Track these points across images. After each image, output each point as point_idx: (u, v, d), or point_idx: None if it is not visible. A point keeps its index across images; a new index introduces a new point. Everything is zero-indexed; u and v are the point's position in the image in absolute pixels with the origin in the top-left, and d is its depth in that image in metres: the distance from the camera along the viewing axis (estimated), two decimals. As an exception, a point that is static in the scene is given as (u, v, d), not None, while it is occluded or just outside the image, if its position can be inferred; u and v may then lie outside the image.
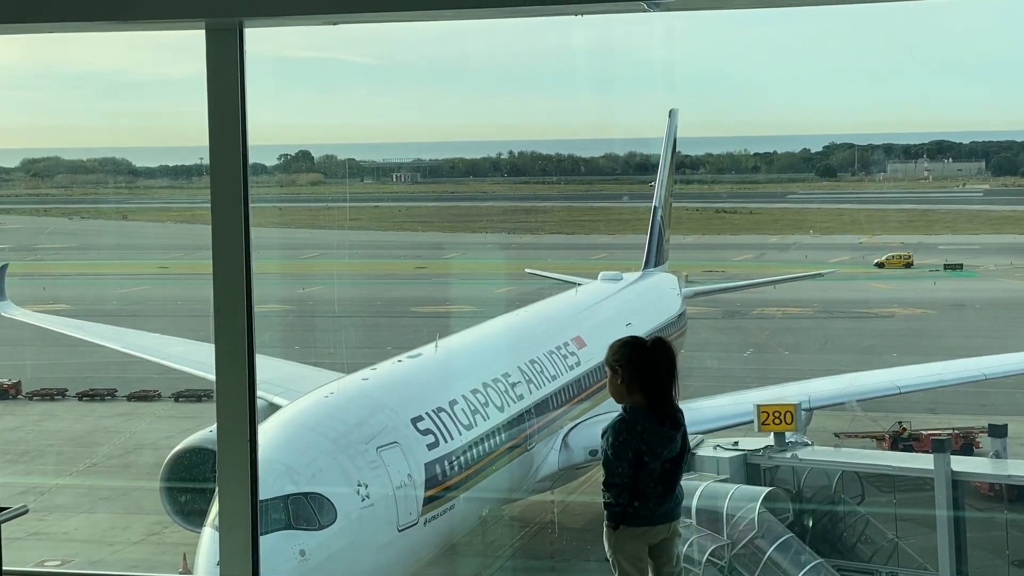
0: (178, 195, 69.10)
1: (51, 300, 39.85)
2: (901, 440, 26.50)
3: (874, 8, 5.72)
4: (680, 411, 5.63)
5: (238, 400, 6.03)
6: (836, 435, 26.23)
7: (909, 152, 74.23)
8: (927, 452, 20.09)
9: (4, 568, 5.17)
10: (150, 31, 6.17)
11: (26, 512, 5.14)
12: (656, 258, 34.22)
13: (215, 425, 6.08)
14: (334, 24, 5.82)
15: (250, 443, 6.03)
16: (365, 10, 5.68)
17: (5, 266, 29.61)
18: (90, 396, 33.29)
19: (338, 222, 58.06)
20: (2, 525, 5.14)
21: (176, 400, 32.19)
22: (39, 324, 30.58)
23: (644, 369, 5.45)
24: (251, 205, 5.93)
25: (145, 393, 32.87)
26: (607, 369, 5.53)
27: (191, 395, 31.72)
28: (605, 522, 5.49)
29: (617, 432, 5.44)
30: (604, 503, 5.46)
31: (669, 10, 5.84)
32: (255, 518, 6.08)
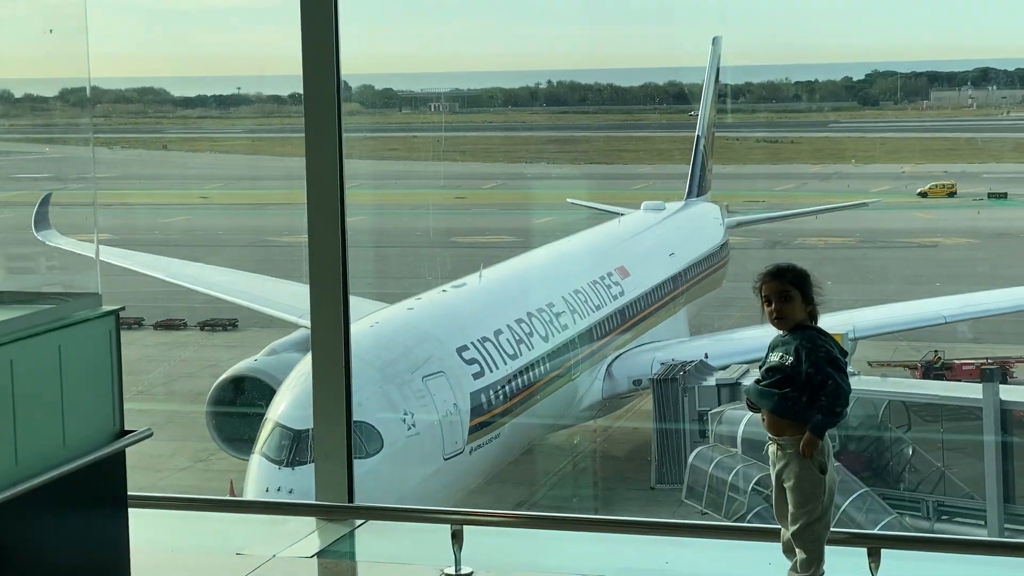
0: (216, 125, 69.19)
1: (91, 228, 39.98)
2: (933, 369, 26.43)
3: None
4: None
5: (333, 332, 6.24)
6: (869, 364, 26.12)
7: (953, 80, 73.23)
8: (957, 381, 19.88)
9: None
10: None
11: (151, 435, 5.23)
12: (698, 188, 34.00)
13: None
14: None
15: (345, 374, 6.28)
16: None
17: (48, 195, 29.75)
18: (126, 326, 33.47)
19: (376, 152, 58.04)
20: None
21: (201, 329, 32.50)
22: (82, 253, 30.73)
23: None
24: (342, 136, 6.00)
25: (170, 322, 33.13)
26: (778, 295, 5.35)
27: (216, 324, 32.04)
28: (808, 439, 5.24)
29: (827, 341, 5.30)
30: (816, 418, 5.25)
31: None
32: (350, 445, 6.33)
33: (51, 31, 5.67)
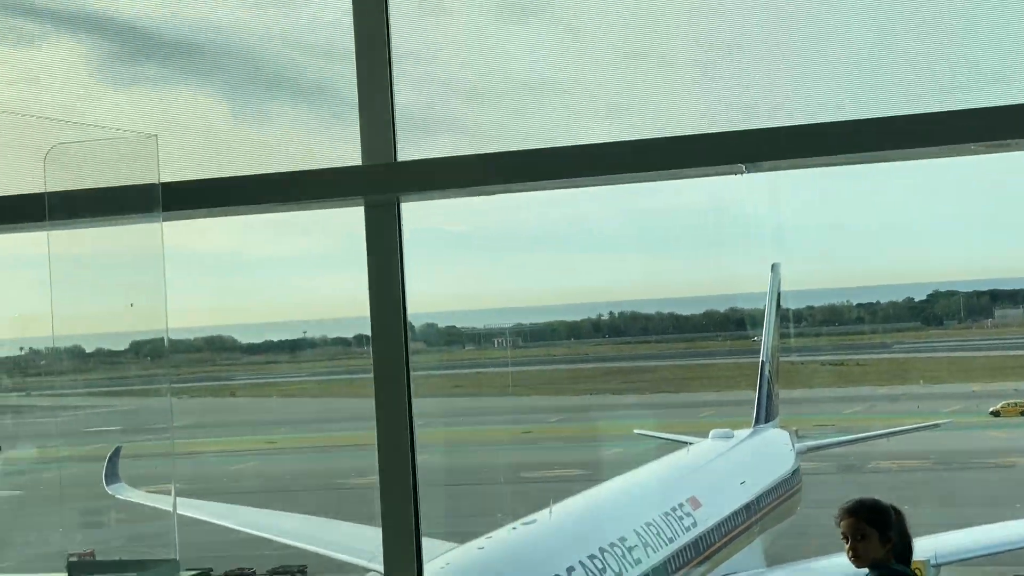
0: (283, 370, 70.12)
1: (164, 479, 40.22)
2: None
3: (970, 160, 5.73)
4: None
5: (405, 573, 6.17)
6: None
7: (1016, 297, 72.95)
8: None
9: None
10: (310, 210, 6.45)
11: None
12: (766, 414, 33.73)
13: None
14: (480, 196, 6.08)
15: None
16: (505, 181, 5.90)
17: (118, 449, 30.02)
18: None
19: (442, 389, 58.37)
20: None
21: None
22: (153, 504, 30.84)
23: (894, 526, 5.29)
24: (410, 375, 6.07)
25: (240, 571, 32.85)
26: (854, 533, 5.24)
27: (285, 571, 31.74)
28: None
29: None
30: None
31: (765, 171, 5.91)
32: None
33: (132, 305, 5.86)
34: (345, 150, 6.28)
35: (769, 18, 5.86)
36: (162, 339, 6.09)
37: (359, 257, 6.21)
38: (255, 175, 6.31)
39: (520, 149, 6.01)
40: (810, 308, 74.31)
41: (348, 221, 6.36)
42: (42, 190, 6.08)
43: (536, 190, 6.33)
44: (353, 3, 6.22)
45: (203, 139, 6.57)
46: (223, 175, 6.36)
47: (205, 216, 6.55)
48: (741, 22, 5.92)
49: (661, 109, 5.98)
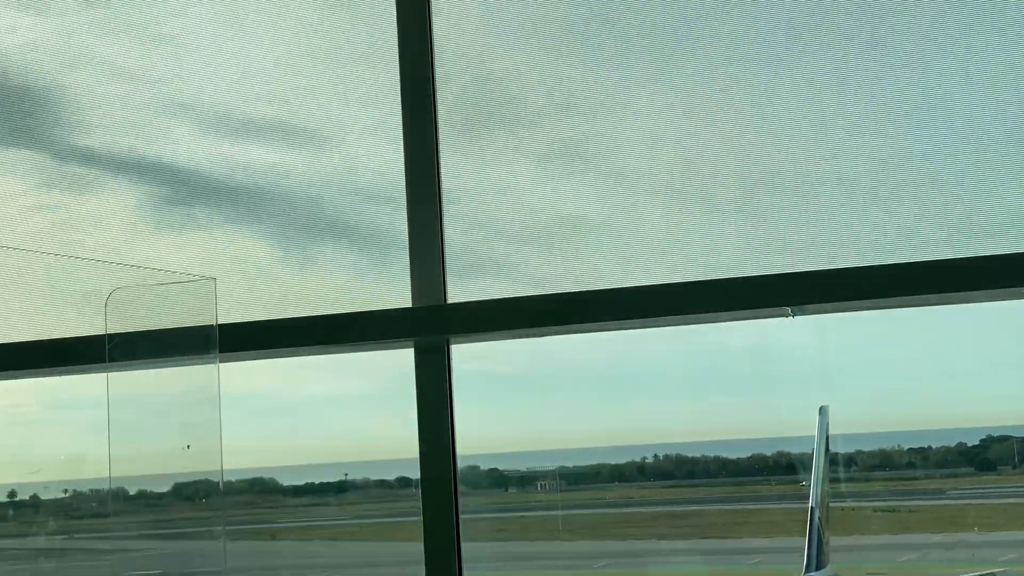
0: (325, 513, 69.60)
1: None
2: None
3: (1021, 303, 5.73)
4: None
5: None
6: None
7: (1070, 441, 71.55)
8: None
9: None
10: (361, 352, 6.49)
11: None
12: (817, 561, 33.01)
13: None
14: (529, 337, 6.11)
15: None
16: (552, 323, 5.93)
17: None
18: None
19: (486, 533, 57.69)
20: None
21: None
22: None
23: None
24: (459, 518, 6.02)
25: None
26: None
27: None
28: None
29: None
30: None
31: (812, 314, 5.89)
32: None
33: (188, 447, 5.89)
34: (395, 292, 6.35)
35: (814, 158, 5.91)
36: (216, 482, 6.10)
37: (402, 398, 6.22)
38: (307, 316, 6.38)
39: (564, 292, 6.05)
40: (860, 452, 72.96)
41: (395, 363, 6.38)
42: (102, 332, 6.18)
43: (580, 332, 6.36)
44: (404, 149, 6.34)
45: (255, 281, 6.67)
46: (274, 317, 6.43)
47: (258, 358, 6.61)
48: (786, 164, 5.98)
49: (706, 250, 6.01)
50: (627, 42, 6.15)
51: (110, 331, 5.97)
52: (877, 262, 5.72)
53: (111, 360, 5.92)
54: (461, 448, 6.42)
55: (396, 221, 6.39)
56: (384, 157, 6.46)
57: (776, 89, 5.94)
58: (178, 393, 6.03)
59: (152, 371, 6.13)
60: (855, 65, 5.82)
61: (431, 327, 6.20)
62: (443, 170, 6.35)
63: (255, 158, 6.74)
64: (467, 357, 6.47)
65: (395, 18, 6.39)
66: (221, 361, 5.96)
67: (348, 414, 7.62)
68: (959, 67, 5.70)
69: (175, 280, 6.19)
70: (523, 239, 6.30)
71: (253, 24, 6.80)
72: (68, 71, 7.07)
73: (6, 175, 7.14)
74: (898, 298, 5.75)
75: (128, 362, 6.03)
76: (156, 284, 6.17)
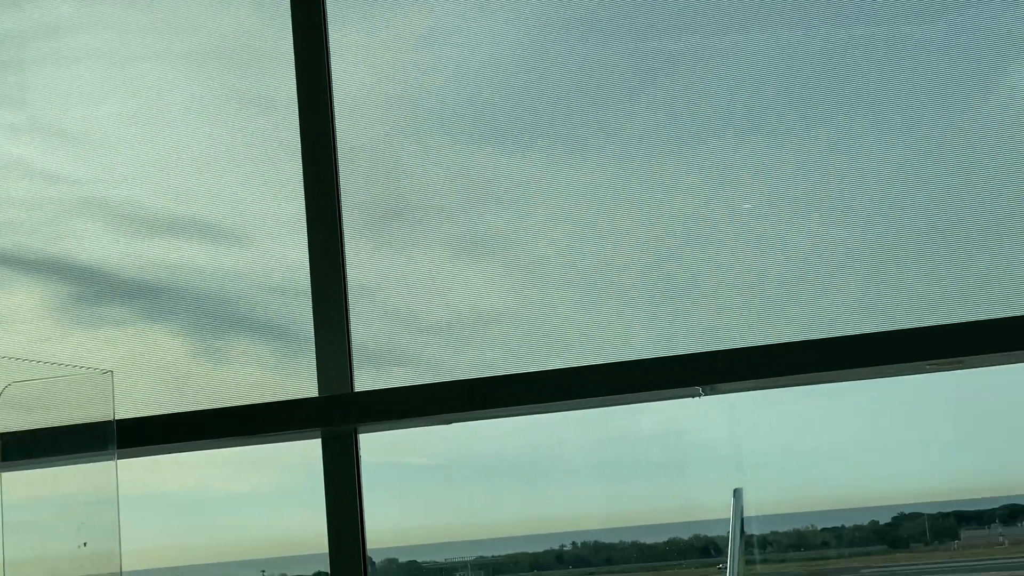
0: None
1: None
2: None
3: (940, 376, 5.81)
4: None
5: None
6: None
7: (982, 518, 72.63)
8: None
9: None
10: (269, 444, 6.40)
11: None
12: (735, 644, 33.02)
13: None
14: (445, 424, 6.07)
15: None
16: (461, 409, 5.89)
17: None
18: None
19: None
20: None
21: None
22: None
23: None
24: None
25: None
26: None
27: None
28: None
29: None
30: None
31: (723, 393, 5.92)
32: None
33: (84, 544, 5.73)
34: (302, 384, 6.28)
35: (720, 243, 5.96)
36: (115, 582, 5.92)
37: (315, 491, 6.13)
38: (209, 409, 6.28)
39: (472, 378, 6.02)
40: (775, 533, 73.44)
41: (309, 455, 6.29)
42: (-5, 431, 6.02)
43: (490, 418, 6.32)
44: (309, 244, 6.31)
45: (159, 376, 6.56)
46: (177, 411, 6.33)
47: (160, 452, 6.48)
48: (693, 251, 6.03)
49: (616, 334, 6.02)
50: (536, 129, 6.19)
51: (4, 429, 5.82)
52: (783, 339, 5.78)
53: (5, 460, 5.76)
54: (378, 542, 6.32)
55: (305, 313, 6.34)
56: (291, 250, 6.42)
57: (687, 175, 5.99)
58: (76, 493, 5.87)
59: (48, 470, 5.98)
60: (761, 154, 5.90)
61: (337, 416, 6.13)
62: (348, 260, 6.33)
63: (160, 254, 6.67)
64: (380, 449, 6.40)
65: (296, 109, 6.40)
66: (120, 457, 5.82)
67: (262, 509, 7.49)
68: (850, 166, 5.82)
69: (70, 374, 6.06)
70: (431, 329, 6.27)
71: (158, 120, 6.76)
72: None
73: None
74: (804, 375, 5.80)
75: (23, 461, 5.87)
76: (50, 378, 6.04)
